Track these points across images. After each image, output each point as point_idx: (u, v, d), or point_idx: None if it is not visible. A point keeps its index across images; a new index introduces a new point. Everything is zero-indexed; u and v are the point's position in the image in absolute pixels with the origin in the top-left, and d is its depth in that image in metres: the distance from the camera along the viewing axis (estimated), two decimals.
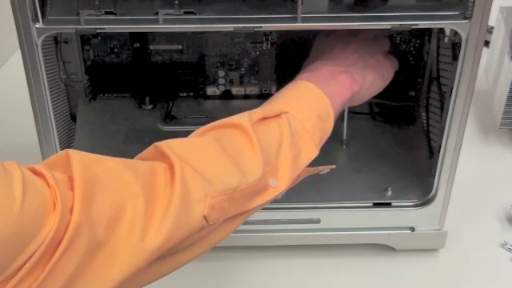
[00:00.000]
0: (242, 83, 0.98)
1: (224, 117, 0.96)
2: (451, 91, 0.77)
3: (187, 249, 0.59)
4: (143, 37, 0.92)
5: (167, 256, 0.57)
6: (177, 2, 0.70)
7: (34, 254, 0.48)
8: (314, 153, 0.69)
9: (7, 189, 0.48)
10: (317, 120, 0.69)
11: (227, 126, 0.64)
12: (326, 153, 0.92)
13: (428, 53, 0.93)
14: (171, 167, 0.58)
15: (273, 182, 0.65)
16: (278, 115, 0.66)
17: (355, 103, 0.77)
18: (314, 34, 0.85)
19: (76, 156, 0.54)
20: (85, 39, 0.92)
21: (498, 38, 1.12)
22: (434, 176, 0.84)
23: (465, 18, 0.71)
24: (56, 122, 0.79)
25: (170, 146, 0.60)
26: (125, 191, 0.55)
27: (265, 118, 0.66)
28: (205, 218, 0.58)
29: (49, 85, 0.76)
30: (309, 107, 0.69)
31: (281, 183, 0.65)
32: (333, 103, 0.71)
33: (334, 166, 0.77)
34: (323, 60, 0.75)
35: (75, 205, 0.51)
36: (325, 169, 0.75)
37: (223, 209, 0.60)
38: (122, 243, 0.53)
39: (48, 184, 0.51)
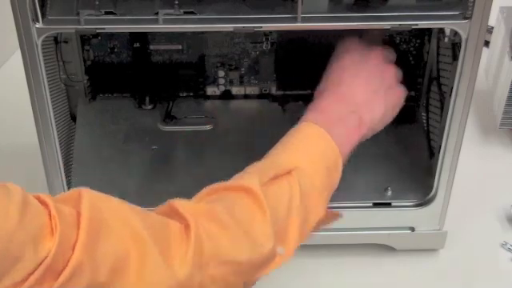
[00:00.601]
0: (242, 83, 0.98)
1: (224, 117, 0.96)
2: (451, 91, 0.77)
3: None
4: (143, 37, 0.92)
5: None
6: (177, 2, 0.70)
7: (30, 275, 0.48)
8: (321, 213, 0.66)
9: (4, 204, 0.48)
10: (326, 173, 0.67)
11: (237, 190, 0.62)
12: None
13: (428, 53, 0.92)
14: (187, 227, 0.57)
15: (280, 250, 0.62)
16: (289, 172, 0.64)
17: (364, 137, 0.74)
18: (314, 34, 0.85)
19: (87, 194, 0.54)
20: (85, 39, 0.92)
21: (497, 38, 1.12)
22: (434, 176, 0.84)
23: (465, 18, 0.71)
24: (56, 122, 0.79)
25: (184, 207, 0.59)
26: (131, 236, 0.54)
27: (275, 177, 0.63)
28: (200, 284, 0.57)
29: (49, 85, 0.75)
30: (319, 159, 0.67)
31: (288, 251, 0.63)
32: (341, 150, 0.69)
33: (339, 214, 0.73)
34: (331, 96, 0.72)
35: (78, 243, 0.51)
36: (331, 218, 0.71)
37: (226, 281, 0.58)
38: None
39: (49, 213, 0.51)
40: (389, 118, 0.77)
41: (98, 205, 0.54)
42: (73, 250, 0.50)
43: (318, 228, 0.68)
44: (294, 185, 0.63)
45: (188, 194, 0.88)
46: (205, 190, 0.63)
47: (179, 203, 0.59)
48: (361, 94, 0.73)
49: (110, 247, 0.52)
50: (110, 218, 0.54)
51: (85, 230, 0.51)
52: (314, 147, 0.68)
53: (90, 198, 0.54)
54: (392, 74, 0.77)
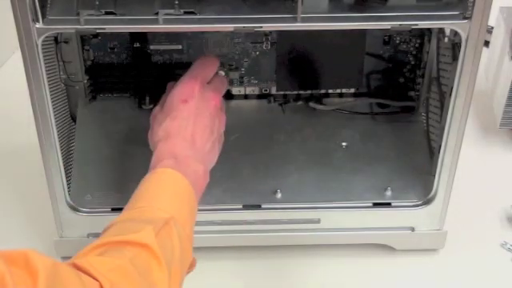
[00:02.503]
0: (242, 83, 0.98)
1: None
2: (451, 91, 0.77)
3: None
4: (143, 37, 0.92)
5: None
6: (177, 2, 0.70)
7: None
8: (191, 258, 0.69)
9: None
10: (192, 218, 0.70)
11: (136, 245, 0.63)
12: (326, 152, 0.93)
13: (428, 53, 0.93)
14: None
15: None
16: (167, 224, 0.66)
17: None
18: (314, 34, 0.85)
19: (38, 260, 0.52)
20: (85, 39, 0.92)
21: (497, 38, 1.12)
22: (434, 176, 0.84)
23: (465, 18, 0.71)
24: (56, 122, 0.79)
25: (92, 264, 0.58)
26: None
27: (159, 231, 0.64)
28: None
29: (49, 85, 0.75)
30: (185, 206, 0.70)
31: None
32: (196, 198, 0.72)
33: (195, 264, 0.75)
34: (183, 143, 0.74)
35: None
36: (192, 267, 0.73)
37: None
38: None
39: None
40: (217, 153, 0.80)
41: (51, 273, 0.53)
42: None
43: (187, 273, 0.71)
44: (173, 235, 0.66)
45: None
46: (100, 239, 0.63)
47: (87, 262, 0.59)
48: (204, 139, 0.76)
49: None
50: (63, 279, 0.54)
51: None
52: (180, 194, 0.70)
53: (42, 263, 0.52)
54: (223, 119, 0.80)
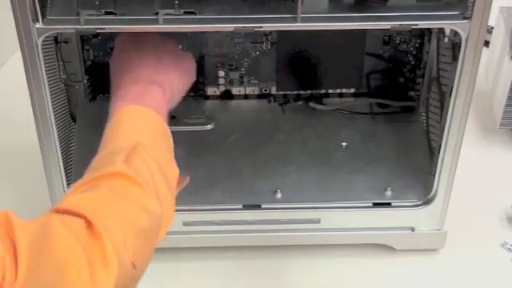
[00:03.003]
0: (241, 83, 0.98)
1: (224, 117, 0.97)
2: (451, 91, 0.77)
3: None
4: None
5: None
6: (177, 2, 0.70)
7: None
8: (176, 170, 0.69)
9: None
10: (163, 140, 0.70)
11: (107, 177, 0.62)
12: (326, 152, 0.93)
13: (428, 53, 0.93)
14: (89, 223, 0.56)
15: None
16: (135, 149, 0.65)
17: (173, 104, 0.76)
18: (314, 34, 0.85)
19: (17, 222, 0.52)
20: (85, 39, 0.92)
21: (497, 38, 1.12)
22: (434, 176, 0.84)
23: (465, 18, 0.71)
24: (56, 122, 0.79)
25: (71, 203, 0.58)
26: (70, 255, 0.53)
27: (127, 157, 0.64)
28: (133, 264, 0.57)
29: (49, 85, 0.75)
30: (152, 131, 0.69)
31: (168, 212, 0.65)
32: (162, 116, 0.71)
33: (188, 179, 0.76)
34: (126, 79, 0.73)
35: (19, 276, 0.49)
36: (183, 183, 0.74)
37: (142, 252, 0.60)
38: None
39: None
40: (187, 83, 0.78)
41: (31, 233, 0.52)
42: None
43: (178, 190, 0.72)
44: (145, 157, 0.65)
45: (188, 194, 0.88)
46: (74, 186, 0.63)
47: (67, 202, 0.59)
48: (150, 66, 0.74)
49: (50, 273, 0.51)
50: (46, 241, 0.53)
51: (24, 265, 0.50)
52: (141, 122, 0.70)
53: (21, 226, 0.52)
54: (172, 42, 0.79)
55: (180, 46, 0.83)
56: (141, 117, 0.70)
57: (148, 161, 0.65)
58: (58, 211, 0.57)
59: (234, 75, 0.97)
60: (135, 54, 0.75)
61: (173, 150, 0.71)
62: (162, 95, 0.72)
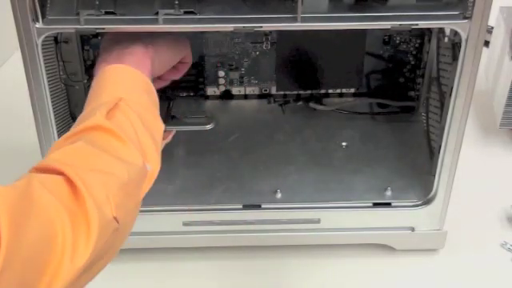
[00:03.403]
0: (241, 83, 0.98)
1: (224, 117, 0.97)
2: (451, 91, 0.77)
3: (102, 256, 0.57)
4: None
5: (87, 269, 0.55)
6: (177, 2, 0.70)
7: None
8: (161, 126, 0.69)
9: None
10: (147, 96, 0.69)
11: (87, 130, 0.63)
12: (326, 153, 0.93)
13: (428, 53, 0.93)
14: (67, 178, 0.56)
15: (147, 166, 0.64)
16: (117, 105, 0.66)
17: (161, 70, 0.75)
18: (314, 34, 0.85)
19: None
20: (85, 39, 0.92)
21: (497, 38, 1.12)
22: (434, 176, 0.84)
23: (465, 18, 0.71)
24: (56, 122, 0.79)
25: (52, 158, 0.58)
26: (53, 211, 0.53)
27: (108, 112, 0.64)
28: (115, 218, 0.57)
29: (49, 85, 0.76)
30: (134, 87, 0.69)
31: (153, 165, 0.65)
32: (145, 74, 0.71)
33: (174, 131, 0.77)
34: (111, 46, 0.73)
35: (2, 243, 0.48)
36: (169, 135, 0.76)
37: (125, 205, 0.59)
38: (54, 267, 0.51)
39: None
40: (175, 53, 0.77)
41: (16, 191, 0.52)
42: None
43: (164, 143, 0.73)
44: (128, 111, 0.65)
45: (188, 194, 0.88)
46: (57, 142, 0.63)
47: (47, 159, 0.59)
48: (136, 35, 0.73)
49: (36, 230, 0.51)
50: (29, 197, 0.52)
51: (6, 220, 0.49)
52: (123, 79, 0.70)
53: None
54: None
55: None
56: (122, 74, 0.70)
57: (131, 115, 0.65)
58: (38, 170, 0.57)
59: (234, 75, 0.97)
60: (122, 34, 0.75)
61: (158, 105, 0.71)
62: (143, 52, 0.72)
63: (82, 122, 0.64)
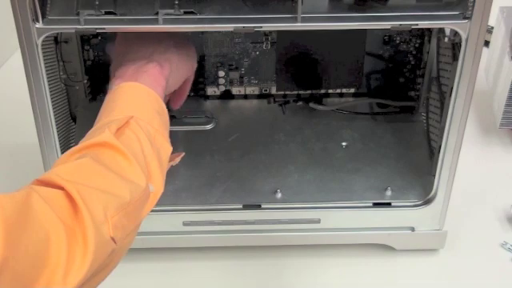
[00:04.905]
0: (241, 83, 0.98)
1: (224, 117, 0.97)
2: (451, 91, 0.77)
3: (97, 274, 0.57)
4: None
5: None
6: (177, 2, 0.70)
7: None
8: (169, 148, 0.69)
9: None
10: (158, 116, 0.70)
11: (94, 146, 0.63)
12: (326, 153, 0.93)
13: (428, 53, 0.93)
14: (68, 194, 0.56)
15: (150, 187, 0.64)
16: (127, 122, 0.66)
17: (173, 87, 0.76)
18: (314, 34, 0.85)
19: None
20: (85, 39, 0.92)
21: (497, 38, 1.12)
22: (434, 176, 0.84)
23: (465, 18, 0.71)
24: (56, 122, 0.79)
25: (55, 173, 0.58)
26: (50, 224, 0.53)
27: (118, 129, 0.65)
28: (112, 239, 0.57)
29: (49, 85, 0.76)
30: (147, 107, 0.69)
31: (157, 187, 0.65)
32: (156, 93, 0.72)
33: (183, 154, 0.77)
34: (125, 60, 0.74)
35: None
36: (177, 157, 0.75)
37: (124, 226, 0.59)
38: (44, 283, 0.51)
39: None
40: (188, 67, 0.78)
41: (15, 202, 0.52)
42: None
43: (170, 165, 0.72)
44: (138, 130, 0.66)
45: (188, 194, 0.88)
46: (64, 155, 0.63)
47: (51, 172, 0.58)
48: (149, 47, 0.74)
49: (32, 240, 0.51)
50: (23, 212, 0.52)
51: (3, 227, 0.49)
52: (136, 98, 0.70)
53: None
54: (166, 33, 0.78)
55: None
56: (136, 93, 0.70)
57: (140, 135, 0.65)
58: (40, 183, 0.57)
59: (234, 75, 0.97)
60: (135, 36, 0.76)
61: (168, 126, 0.72)
62: (159, 72, 0.72)
63: (91, 137, 0.64)
